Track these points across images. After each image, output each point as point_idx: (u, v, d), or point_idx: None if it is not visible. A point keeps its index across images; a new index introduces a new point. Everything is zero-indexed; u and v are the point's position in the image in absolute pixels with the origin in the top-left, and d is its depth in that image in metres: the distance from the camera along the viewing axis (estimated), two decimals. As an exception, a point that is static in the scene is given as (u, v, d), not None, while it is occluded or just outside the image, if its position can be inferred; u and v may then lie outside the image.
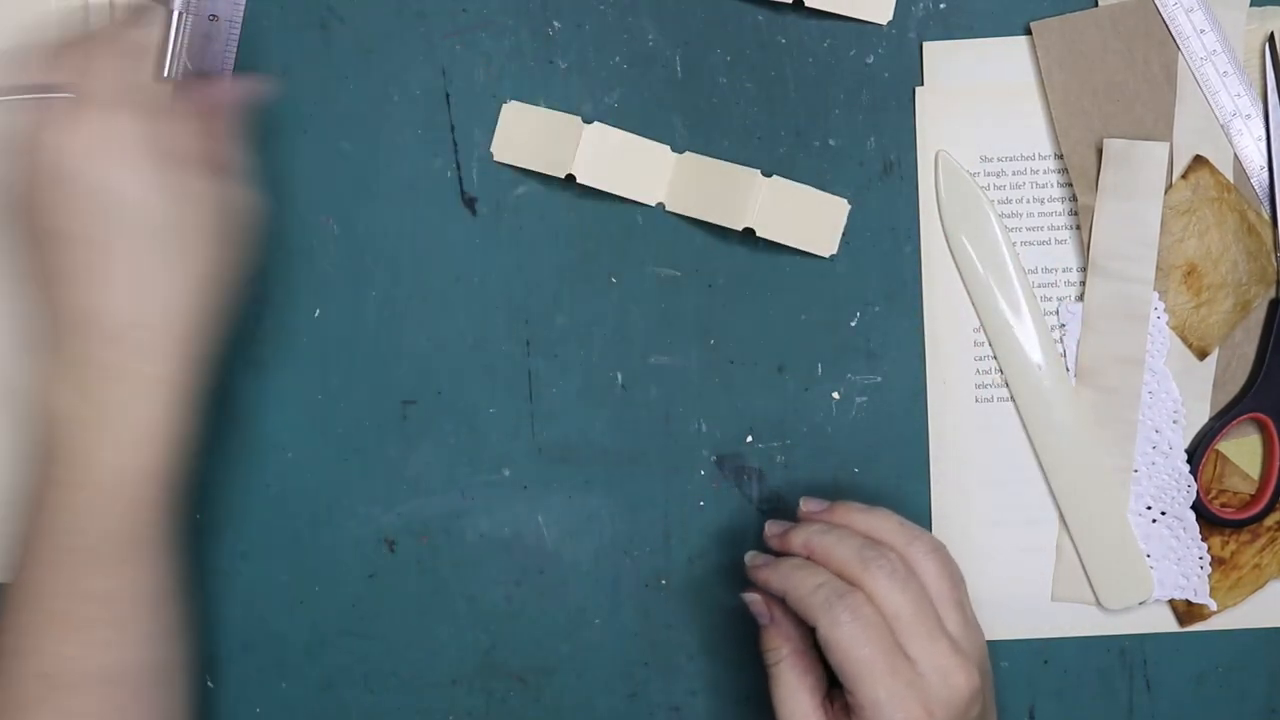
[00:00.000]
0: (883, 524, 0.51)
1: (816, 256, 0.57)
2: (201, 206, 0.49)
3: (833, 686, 0.51)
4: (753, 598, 0.52)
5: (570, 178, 0.56)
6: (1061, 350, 0.57)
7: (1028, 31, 0.57)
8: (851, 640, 0.47)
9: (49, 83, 0.48)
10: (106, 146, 0.47)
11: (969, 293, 0.57)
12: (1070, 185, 0.57)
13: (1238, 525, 0.57)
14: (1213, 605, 0.58)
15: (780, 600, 0.51)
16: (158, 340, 0.48)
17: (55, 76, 0.48)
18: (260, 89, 0.54)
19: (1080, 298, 0.57)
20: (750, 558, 0.53)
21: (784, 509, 0.58)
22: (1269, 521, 0.58)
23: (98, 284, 0.47)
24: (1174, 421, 0.57)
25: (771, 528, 0.53)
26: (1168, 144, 0.56)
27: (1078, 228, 0.57)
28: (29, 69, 0.49)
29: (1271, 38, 0.56)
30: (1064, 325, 0.57)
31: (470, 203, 0.58)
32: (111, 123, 0.47)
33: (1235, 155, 0.57)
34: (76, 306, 0.47)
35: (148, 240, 0.47)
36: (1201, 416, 0.57)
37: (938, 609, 0.49)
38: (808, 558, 0.51)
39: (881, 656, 0.47)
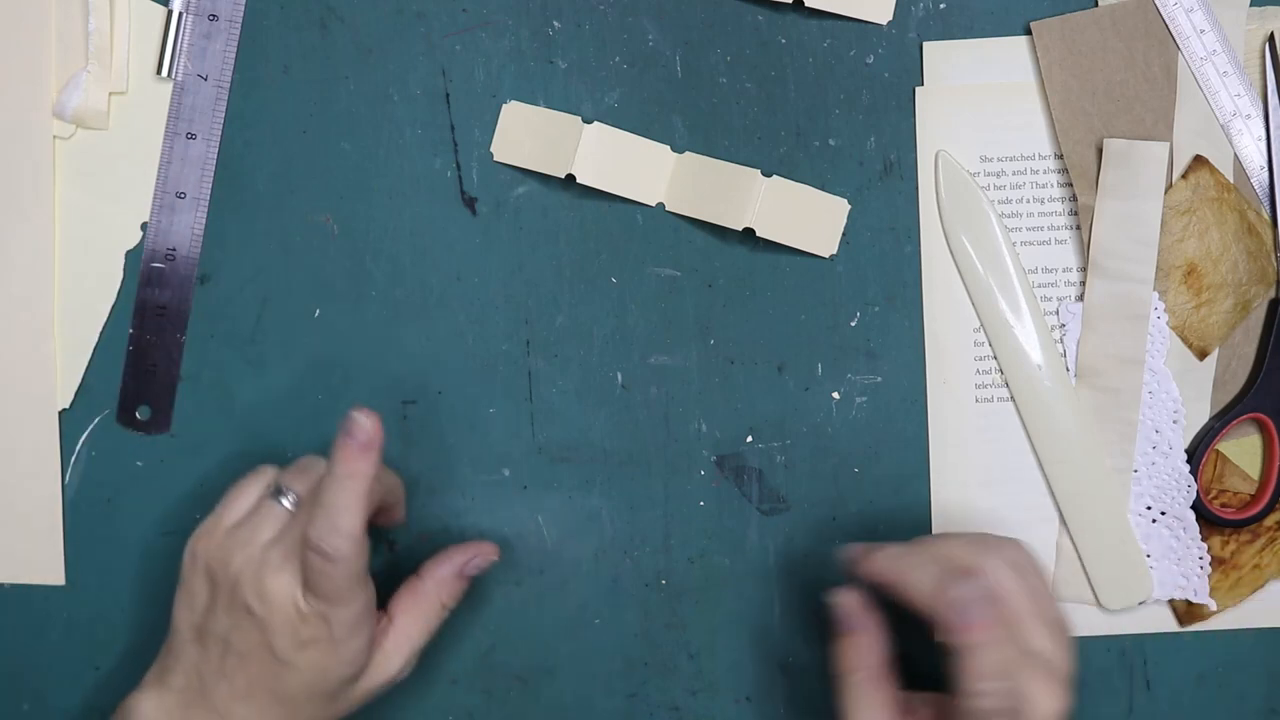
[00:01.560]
0: (945, 546, 0.50)
1: (816, 256, 0.57)
2: (350, 673, 0.51)
3: (911, 692, 0.51)
4: (845, 602, 0.51)
5: (570, 178, 0.56)
6: (1061, 350, 0.57)
7: (1028, 31, 0.57)
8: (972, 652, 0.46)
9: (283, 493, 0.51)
10: (297, 608, 0.49)
11: (969, 293, 0.57)
12: (1070, 185, 0.57)
13: (1238, 525, 0.57)
14: (1213, 605, 0.58)
15: (867, 608, 0.51)
16: None
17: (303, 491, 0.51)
18: (490, 559, 0.55)
19: (1080, 298, 0.57)
20: (848, 550, 0.52)
21: (784, 509, 0.58)
22: (1269, 521, 0.58)
23: (229, 688, 0.50)
24: (1174, 421, 0.57)
25: (849, 552, 0.52)
26: (1168, 144, 0.56)
27: (1078, 228, 0.57)
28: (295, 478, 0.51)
29: (1271, 38, 0.56)
30: (1064, 325, 0.57)
31: (470, 203, 0.58)
32: (334, 609, 0.49)
33: (1235, 155, 0.57)
34: (213, 694, 0.50)
35: (287, 687, 0.50)
36: (1201, 416, 0.57)
37: (1022, 628, 0.48)
38: (881, 585, 0.50)
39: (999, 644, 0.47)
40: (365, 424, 0.48)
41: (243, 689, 0.50)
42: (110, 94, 0.57)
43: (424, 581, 0.54)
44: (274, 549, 0.49)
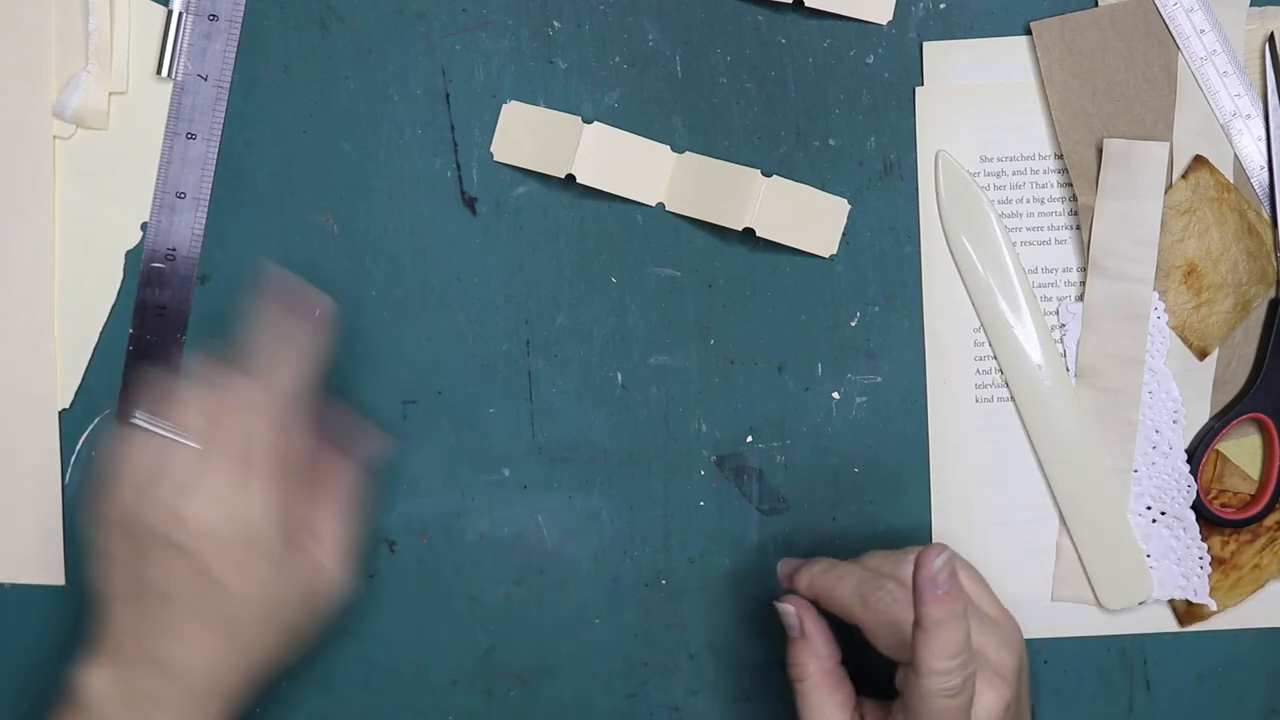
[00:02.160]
0: (871, 559, 0.53)
1: (816, 256, 0.57)
2: (299, 584, 0.51)
3: (861, 698, 0.51)
4: (786, 609, 0.52)
5: (570, 178, 0.56)
6: (1061, 350, 0.57)
7: (1028, 31, 0.57)
8: (895, 602, 0.48)
9: (181, 425, 0.50)
10: (221, 527, 0.49)
11: (969, 293, 0.57)
12: (1070, 185, 0.57)
13: (1238, 525, 0.57)
14: (1213, 605, 0.58)
15: (812, 610, 0.52)
16: (210, 692, 0.50)
17: (188, 421, 0.50)
18: (381, 448, 0.56)
19: (1080, 298, 0.57)
20: (782, 566, 0.54)
21: (784, 509, 0.58)
22: (1269, 521, 0.58)
23: (187, 644, 0.49)
24: (1174, 421, 0.57)
25: (783, 568, 0.54)
26: (1168, 144, 0.56)
27: (1078, 228, 0.57)
28: (166, 403, 0.50)
29: (1271, 38, 0.56)
30: (1064, 325, 0.57)
31: (470, 203, 0.58)
32: (230, 502, 0.49)
33: (1235, 155, 0.57)
34: (154, 648, 0.49)
35: (243, 615, 0.49)
36: (1201, 416, 0.57)
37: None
38: (812, 600, 0.51)
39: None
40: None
41: (193, 637, 0.49)
42: (110, 94, 0.57)
43: (321, 480, 0.53)
44: (170, 476, 0.49)
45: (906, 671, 0.47)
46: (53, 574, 0.58)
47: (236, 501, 0.49)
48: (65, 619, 0.58)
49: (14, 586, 0.58)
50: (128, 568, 0.50)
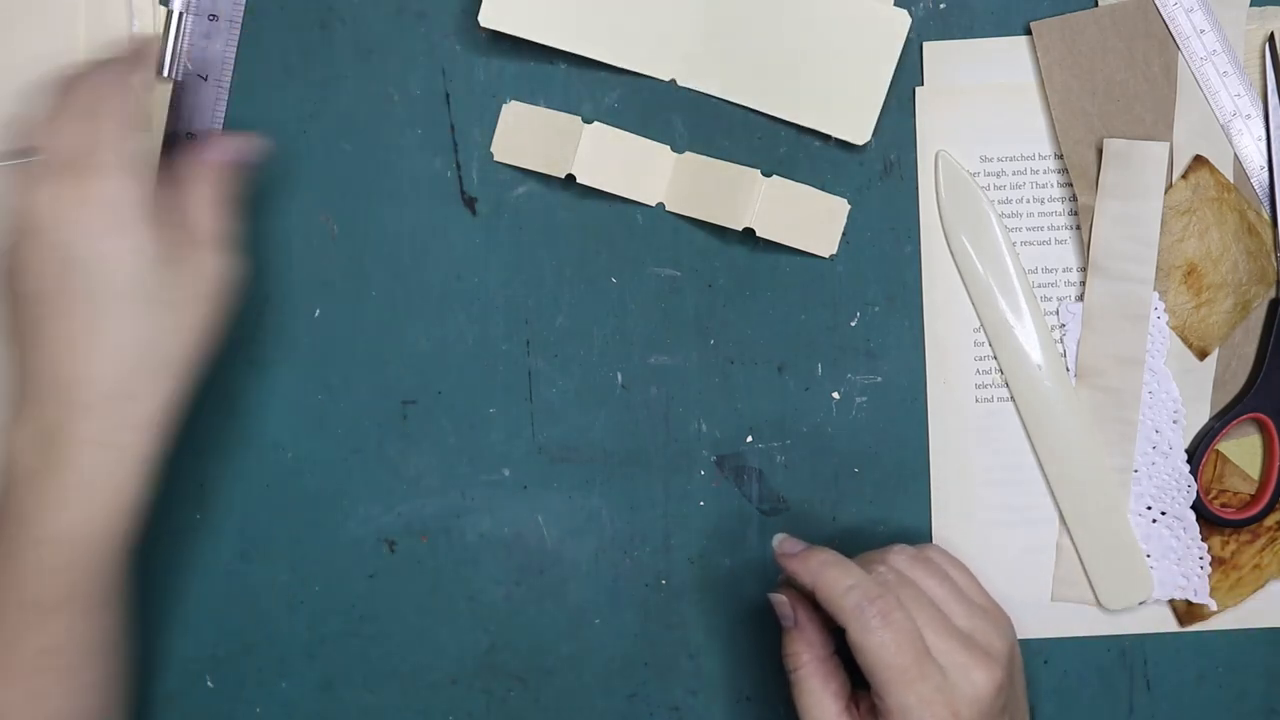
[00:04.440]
0: (862, 557, 0.53)
1: (816, 256, 0.57)
2: (186, 276, 0.48)
3: (857, 689, 0.51)
4: (779, 599, 0.52)
5: (570, 178, 0.56)
6: (1061, 350, 0.57)
7: (1028, 31, 0.57)
8: (882, 647, 0.48)
9: (32, 146, 0.47)
10: (92, 213, 0.46)
11: (969, 293, 0.57)
12: (1070, 185, 0.57)
13: (1238, 525, 0.57)
14: (1213, 605, 0.58)
15: (805, 600, 0.52)
16: (131, 412, 0.47)
17: (38, 139, 0.47)
18: (249, 148, 0.53)
19: (1080, 298, 0.57)
20: (779, 542, 0.53)
21: (784, 509, 0.58)
22: (1269, 521, 0.58)
23: (79, 353, 0.46)
24: (1174, 421, 0.57)
25: (783, 545, 0.52)
26: (1168, 144, 0.56)
27: (1078, 228, 0.57)
28: (17, 133, 0.48)
29: (1271, 38, 0.56)
30: (1064, 325, 0.57)
31: (470, 203, 0.58)
32: (96, 188, 0.46)
33: (1235, 155, 0.57)
34: (53, 373, 0.47)
35: (131, 311, 0.47)
36: (1201, 416, 0.57)
37: (942, 609, 0.50)
38: (805, 587, 0.51)
39: (912, 663, 0.48)
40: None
41: (79, 339, 0.46)
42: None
43: (186, 172, 0.51)
44: (24, 188, 0.47)
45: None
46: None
47: (91, 185, 0.46)
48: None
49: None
50: (16, 299, 0.47)
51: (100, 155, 0.47)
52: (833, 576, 0.50)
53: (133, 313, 0.47)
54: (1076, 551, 0.58)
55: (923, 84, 0.57)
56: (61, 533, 0.47)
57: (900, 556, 0.52)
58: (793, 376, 0.58)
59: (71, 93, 0.48)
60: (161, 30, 0.56)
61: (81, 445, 0.47)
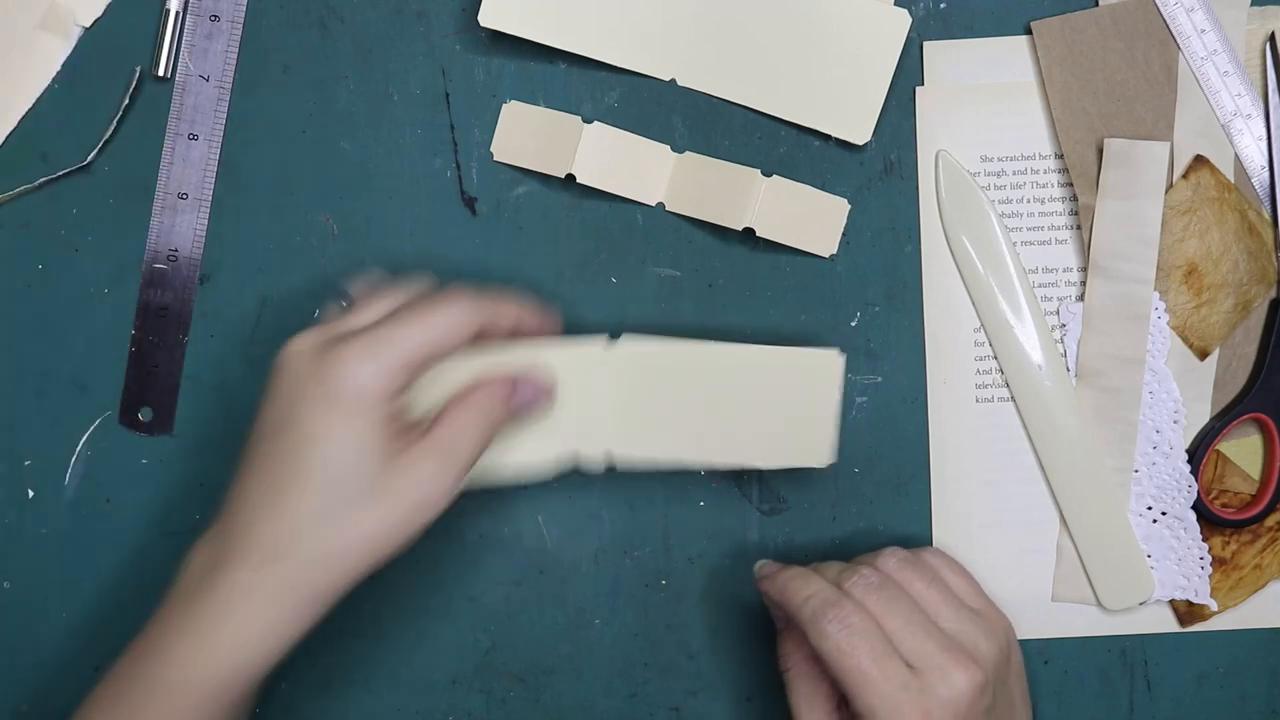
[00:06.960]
0: (855, 560, 0.53)
1: (816, 256, 0.57)
2: (399, 477, 0.48)
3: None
4: (772, 602, 0.53)
5: (570, 178, 0.56)
6: (1062, 350, 0.57)
7: (1028, 31, 0.57)
8: (839, 651, 0.48)
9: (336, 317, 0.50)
10: (329, 390, 0.47)
11: (969, 293, 0.57)
12: (1070, 185, 0.57)
13: (1238, 525, 0.57)
14: (1213, 605, 0.58)
15: None
16: (291, 578, 0.47)
17: (352, 311, 0.50)
18: (544, 402, 0.52)
19: (1080, 298, 0.57)
20: (759, 567, 0.54)
21: (784, 509, 0.58)
22: (1270, 522, 0.58)
23: (266, 502, 0.47)
24: (1174, 421, 0.57)
25: (762, 569, 0.54)
26: (1168, 144, 0.56)
27: (1078, 228, 0.57)
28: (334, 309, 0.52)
29: (1272, 37, 0.56)
30: (1064, 325, 0.57)
31: (470, 203, 0.58)
32: (346, 371, 0.47)
33: (1236, 155, 0.57)
34: (237, 508, 0.48)
35: (326, 488, 0.47)
36: (1202, 416, 0.57)
37: (928, 610, 0.50)
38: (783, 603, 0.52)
39: (872, 663, 0.48)
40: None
41: (262, 481, 0.47)
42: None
43: (475, 389, 0.50)
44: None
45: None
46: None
47: (343, 368, 0.47)
48: (65, 619, 0.58)
49: (13, 586, 0.58)
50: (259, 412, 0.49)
51: (371, 350, 0.47)
52: (794, 588, 0.50)
53: (328, 490, 0.47)
54: (1077, 552, 0.57)
55: (923, 84, 0.57)
56: (188, 657, 0.47)
57: (891, 559, 0.52)
58: (793, 376, 0.58)
59: (394, 302, 0.50)
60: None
61: (233, 588, 0.47)
